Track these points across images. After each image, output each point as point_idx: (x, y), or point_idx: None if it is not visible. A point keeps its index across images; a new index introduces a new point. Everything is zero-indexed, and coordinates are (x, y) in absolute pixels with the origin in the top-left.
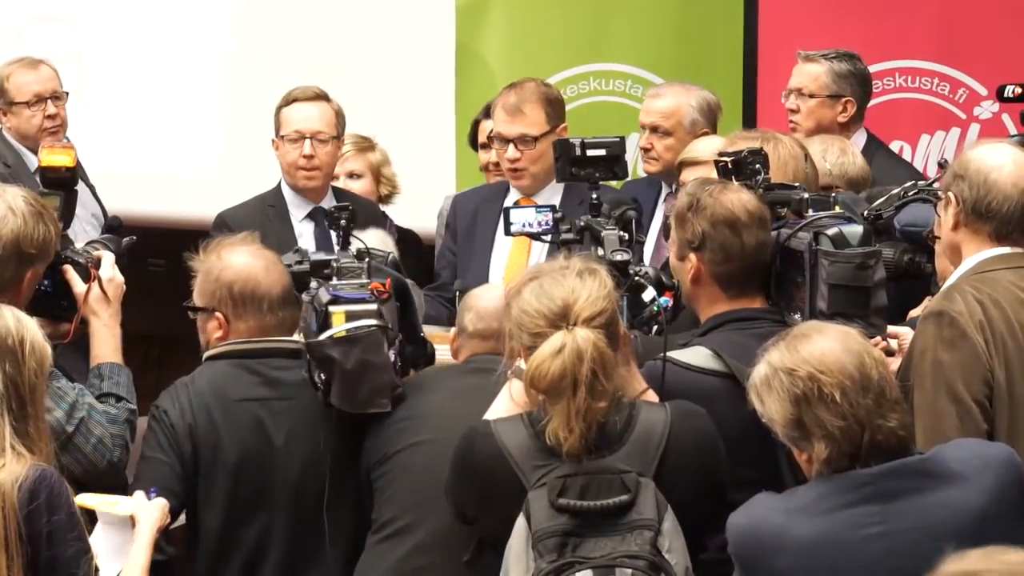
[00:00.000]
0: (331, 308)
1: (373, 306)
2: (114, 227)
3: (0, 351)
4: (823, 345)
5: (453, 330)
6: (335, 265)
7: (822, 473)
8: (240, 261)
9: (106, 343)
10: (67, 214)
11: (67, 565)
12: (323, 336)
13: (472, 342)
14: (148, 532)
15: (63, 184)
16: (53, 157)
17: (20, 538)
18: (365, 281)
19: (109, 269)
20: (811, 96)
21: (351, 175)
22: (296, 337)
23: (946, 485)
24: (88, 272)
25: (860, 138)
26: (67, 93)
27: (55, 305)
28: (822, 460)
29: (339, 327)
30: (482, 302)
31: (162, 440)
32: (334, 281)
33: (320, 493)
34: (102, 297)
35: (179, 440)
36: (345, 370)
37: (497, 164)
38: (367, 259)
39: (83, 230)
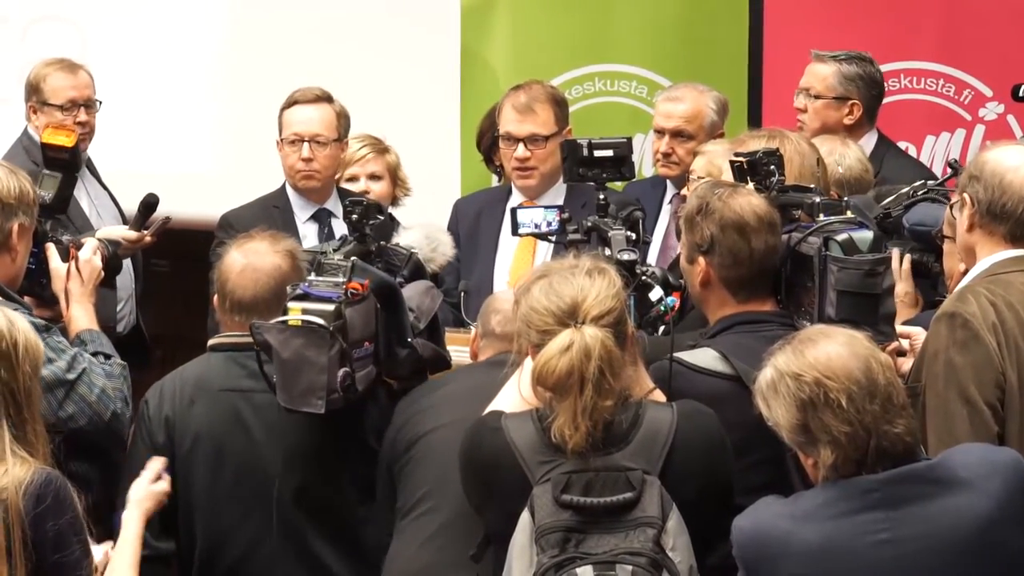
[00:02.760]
0: (290, 304)
1: (331, 307)
2: (151, 204)
3: None
4: (830, 350)
5: (475, 330)
6: (318, 260)
7: (828, 478)
8: (230, 257)
9: (81, 317)
10: (64, 195)
11: (73, 568)
12: (265, 323)
13: (499, 343)
14: (134, 528)
15: (63, 165)
16: (56, 136)
17: (25, 544)
18: (341, 280)
19: (89, 252)
20: (818, 97)
21: (372, 177)
22: None
23: (953, 491)
24: (68, 252)
25: (871, 138)
26: (100, 102)
27: (35, 283)
28: (828, 466)
29: (290, 317)
30: (509, 305)
31: (140, 432)
32: (311, 277)
33: (303, 487)
34: (77, 276)
35: (152, 430)
36: (282, 359)
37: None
38: (352, 259)
39: None
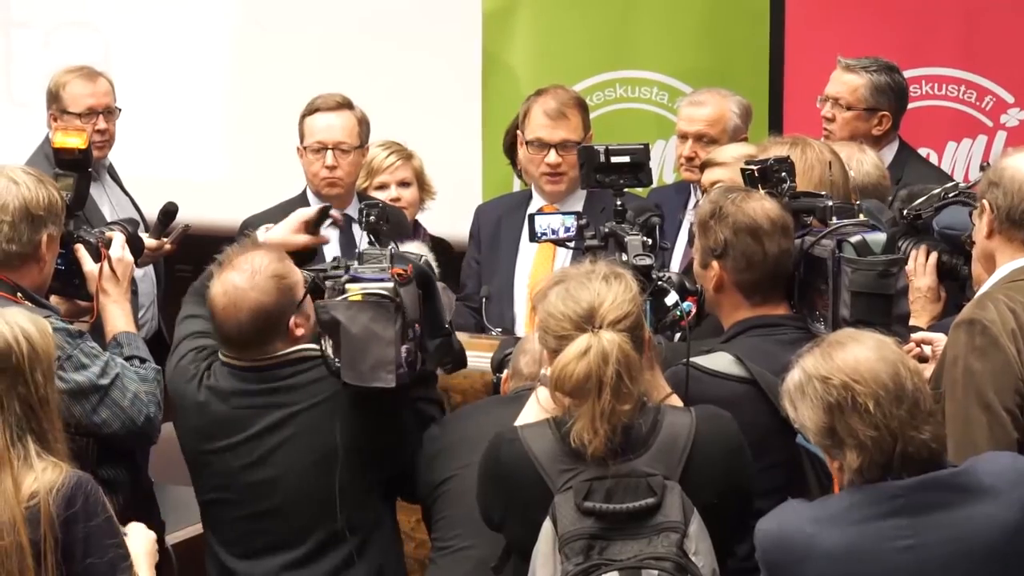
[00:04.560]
0: (348, 285)
1: (389, 284)
2: (171, 212)
3: (8, 374)
4: (858, 353)
5: (507, 371)
6: (357, 251)
7: (853, 482)
8: (215, 288)
9: (118, 317)
10: (80, 195)
11: (106, 572)
12: (331, 301)
13: (526, 384)
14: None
15: (76, 165)
16: (66, 139)
17: (57, 546)
18: (386, 266)
19: (119, 249)
20: (848, 108)
21: (402, 184)
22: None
23: (978, 500)
24: (98, 251)
25: (893, 145)
26: (119, 109)
27: (68, 283)
28: (853, 469)
29: (351, 295)
30: (539, 346)
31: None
32: (355, 265)
33: (327, 499)
34: (111, 275)
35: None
36: (350, 336)
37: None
38: (390, 248)
39: None
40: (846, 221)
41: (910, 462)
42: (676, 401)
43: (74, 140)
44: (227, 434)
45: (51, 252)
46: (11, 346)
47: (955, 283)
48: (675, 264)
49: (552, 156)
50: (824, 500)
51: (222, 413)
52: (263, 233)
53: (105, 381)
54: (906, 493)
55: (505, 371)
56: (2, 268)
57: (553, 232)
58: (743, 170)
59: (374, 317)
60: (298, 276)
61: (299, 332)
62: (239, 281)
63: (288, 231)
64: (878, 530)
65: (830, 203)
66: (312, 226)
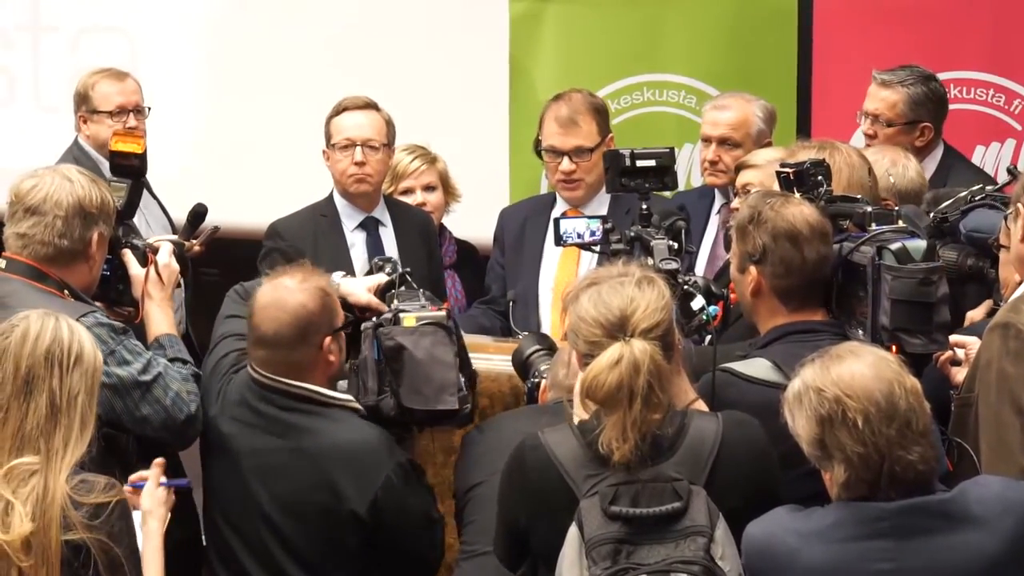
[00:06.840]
0: (401, 314)
1: (442, 312)
2: (200, 213)
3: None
4: (855, 369)
5: (546, 382)
6: (392, 292)
7: (841, 497)
8: (262, 289)
9: (160, 321)
10: (133, 202)
11: None
12: (394, 327)
13: (564, 395)
14: (158, 533)
15: (132, 172)
16: (124, 144)
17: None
18: (425, 303)
19: (166, 256)
20: (889, 124)
21: (427, 188)
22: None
23: (963, 528)
24: (145, 257)
25: (937, 152)
26: (149, 108)
27: (111, 288)
28: (840, 484)
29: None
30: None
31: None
32: (396, 303)
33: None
34: (157, 280)
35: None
36: (415, 360)
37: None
38: (422, 291)
39: None
40: (885, 227)
41: (897, 482)
42: (702, 406)
43: (132, 145)
44: (220, 442)
45: (100, 252)
46: (89, 361)
47: (982, 286)
48: (699, 268)
49: (566, 163)
50: (812, 512)
51: (222, 420)
52: (338, 277)
53: (147, 378)
54: (891, 516)
55: (544, 381)
56: (51, 264)
57: (578, 236)
58: (778, 173)
59: (435, 342)
60: (340, 306)
61: (330, 357)
62: (289, 283)
63: (361, 286)
64: (861, 550)
65: (869, 208)
66: (380, 292)
